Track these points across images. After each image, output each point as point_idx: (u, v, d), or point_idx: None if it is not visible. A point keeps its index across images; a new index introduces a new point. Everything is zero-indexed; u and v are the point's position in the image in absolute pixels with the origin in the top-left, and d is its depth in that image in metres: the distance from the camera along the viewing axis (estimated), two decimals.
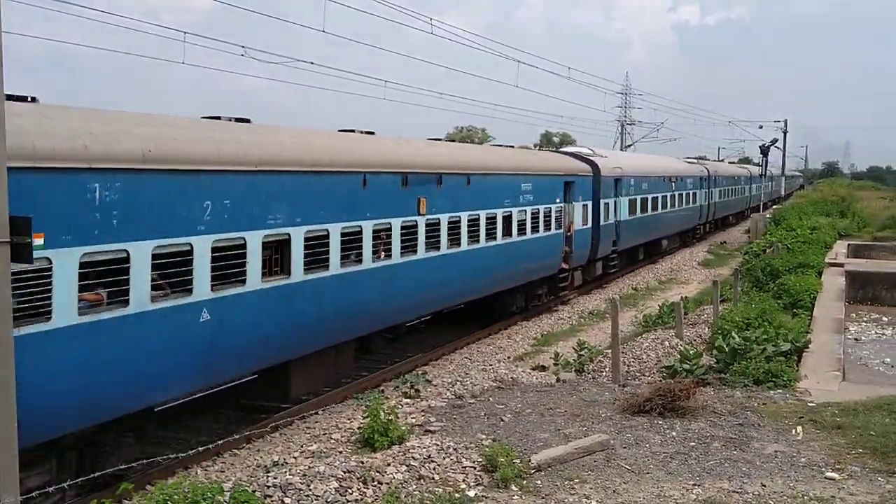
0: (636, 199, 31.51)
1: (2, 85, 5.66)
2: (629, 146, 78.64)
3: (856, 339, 18.46)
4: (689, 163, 47.04)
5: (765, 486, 8.04)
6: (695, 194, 42.98)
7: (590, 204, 26.22)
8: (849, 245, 31.89)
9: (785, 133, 64.60)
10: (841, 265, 25.80)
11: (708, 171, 47.73)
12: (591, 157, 27.60)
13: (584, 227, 25.72)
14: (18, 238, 5.90)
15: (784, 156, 69.24)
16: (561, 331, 21.33)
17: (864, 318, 21.51)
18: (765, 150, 58.65)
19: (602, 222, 27.11)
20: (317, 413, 12.99)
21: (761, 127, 67.82)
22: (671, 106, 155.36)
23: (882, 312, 22.27)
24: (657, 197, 34.79)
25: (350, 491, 7.60)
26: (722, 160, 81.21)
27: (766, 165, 62.42)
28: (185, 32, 17.99)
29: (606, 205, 27.68)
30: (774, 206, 58.58)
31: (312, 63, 22.38)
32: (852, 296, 23.12)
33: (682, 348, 15.02)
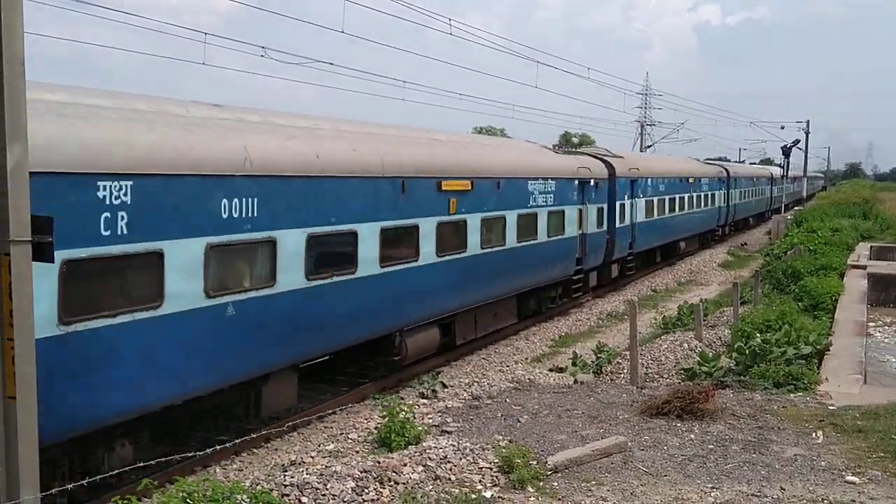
0: (743, 191, 51.64)
1: (24, 85, 5.73)
2: (649, 147, 78.16)
3: None
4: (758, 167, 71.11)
5: (784, 489, 7.97)
6: (764, 189, 62.27)
7: (726, 192, 45.60)
8: (871, 247, 31.58)
9: (807, 134, 63.83)
10: (863, 267, 25.55)
11: (772, 175, 65.14)
12: (725, 165, 49.74)
13: (724, 205, 45.51)
14: (40, 237, 5.95)
15: (806, 157, 68.34)
16: (579, 332, 21.27)
17: (886, 321, 21.28)
18: (787, 151, 58.06)
19: (730, 203, 47.08)
20: (334, 413, 13.03)
21: (783, 127, 66.99)
22: (691, 106, 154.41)
23: None
24: (754, 189, 56.63)
25: (366, 490, 7.61)
26: (743, 161, 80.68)
27: (788, 167, 61.81)
28: (205, 34, 18.18)
29: (732, 193, 47.39)
30: (796, 208, 58.08)
31: (332, 63, 22.52)
32: (874, 298, 22.88)
33: (701, 350, 14.95)
